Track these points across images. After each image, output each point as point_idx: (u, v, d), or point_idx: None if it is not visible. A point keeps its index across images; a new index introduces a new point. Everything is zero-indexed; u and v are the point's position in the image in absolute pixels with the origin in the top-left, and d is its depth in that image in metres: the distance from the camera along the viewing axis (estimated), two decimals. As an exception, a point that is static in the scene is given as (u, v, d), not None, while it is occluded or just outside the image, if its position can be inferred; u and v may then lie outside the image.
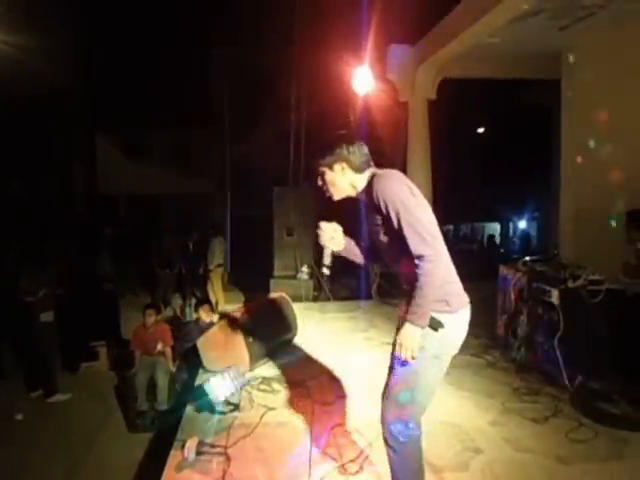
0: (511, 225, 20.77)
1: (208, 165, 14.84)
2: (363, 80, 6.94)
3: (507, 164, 14.34)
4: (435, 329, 2.08)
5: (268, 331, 4.73)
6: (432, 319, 2.07)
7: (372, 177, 2.19)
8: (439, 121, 7.90)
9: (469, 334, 2.20)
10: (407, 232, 2.02)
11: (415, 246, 2.01)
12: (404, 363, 2.10)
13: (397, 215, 2.03)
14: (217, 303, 8.74)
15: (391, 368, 2.23)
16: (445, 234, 2.18)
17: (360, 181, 2.22)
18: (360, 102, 7.67)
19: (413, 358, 2.07)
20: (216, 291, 9.07)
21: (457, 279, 2.21)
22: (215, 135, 14.22)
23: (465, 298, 2.21)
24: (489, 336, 5.12)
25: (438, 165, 7.81)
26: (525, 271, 4.51)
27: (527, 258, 4.73)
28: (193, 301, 9.15)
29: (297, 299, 7.72)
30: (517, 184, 15.05)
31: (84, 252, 8.53)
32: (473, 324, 2.22)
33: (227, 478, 2.71)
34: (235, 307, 6.48)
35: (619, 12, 5.24)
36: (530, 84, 8.34)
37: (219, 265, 9.19)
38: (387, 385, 2.23)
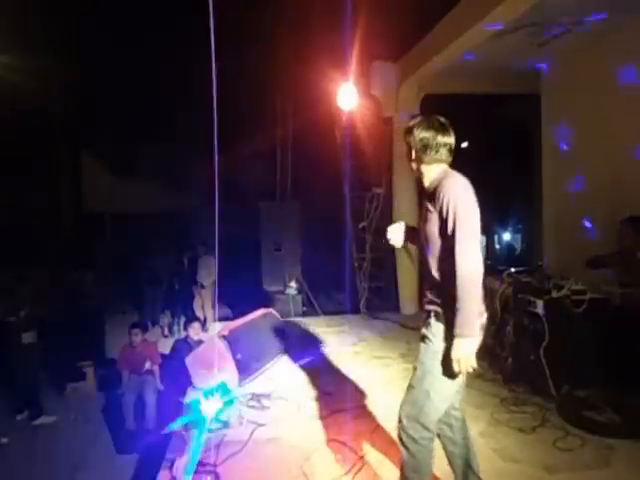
0: (495, 237, 20.97)
1: (194, 181, 14.84)
2: (348, 96, 7.03)
3: (490, 177, 14.51)
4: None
5: (257, 347, 4.73)
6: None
7: (444, 175, 2.22)
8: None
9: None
10: (459, 239, 2.03)
11: (462, 256, 2.02)
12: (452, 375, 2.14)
13: (454, 220, 2.04)
14: (206, 320, 8.68)
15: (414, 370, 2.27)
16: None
17: (428, 172, 2.27)
18: (345, 118, 7.76)
19: (474, 369, 2.13)
20: (206, 308, 9.01)
21: None
22: (200, 151, 14.23)
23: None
24: (478, 347, 5.13)
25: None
26: (510, 282, 4.57)
27: (512, 269, 4.80)
28: (182, 319, 9.07)
29: (286, 314, 7.71)
30: (501, 197, 15.23)
31: (69, 270, 8.44)
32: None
33: (217, 497, 2.69)
34: (224, 324, 6.45)
35: (595, 28, 5.40)
36: (512, 99, 8.52)
37: (213, 282, 9.14)
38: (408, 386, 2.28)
